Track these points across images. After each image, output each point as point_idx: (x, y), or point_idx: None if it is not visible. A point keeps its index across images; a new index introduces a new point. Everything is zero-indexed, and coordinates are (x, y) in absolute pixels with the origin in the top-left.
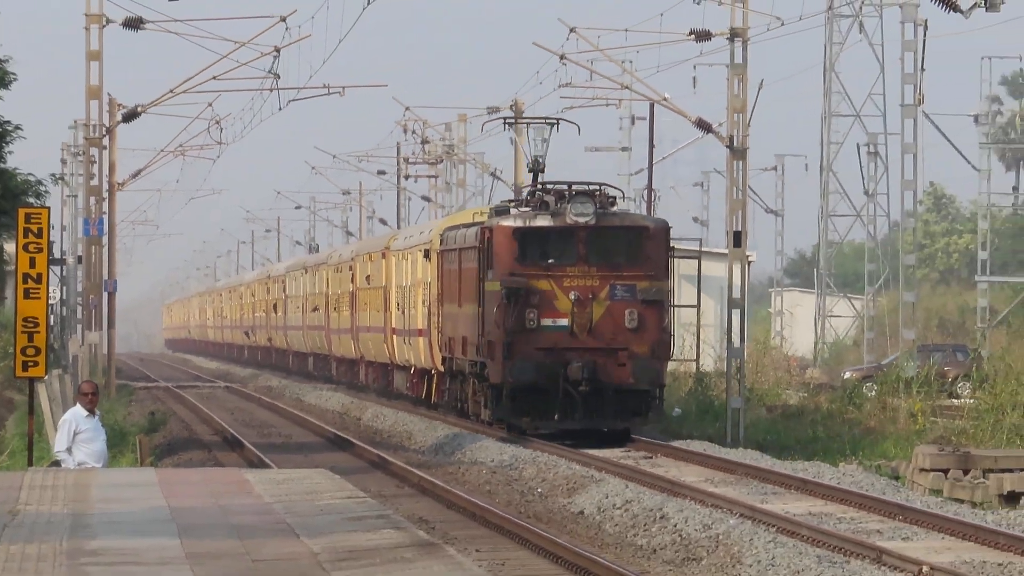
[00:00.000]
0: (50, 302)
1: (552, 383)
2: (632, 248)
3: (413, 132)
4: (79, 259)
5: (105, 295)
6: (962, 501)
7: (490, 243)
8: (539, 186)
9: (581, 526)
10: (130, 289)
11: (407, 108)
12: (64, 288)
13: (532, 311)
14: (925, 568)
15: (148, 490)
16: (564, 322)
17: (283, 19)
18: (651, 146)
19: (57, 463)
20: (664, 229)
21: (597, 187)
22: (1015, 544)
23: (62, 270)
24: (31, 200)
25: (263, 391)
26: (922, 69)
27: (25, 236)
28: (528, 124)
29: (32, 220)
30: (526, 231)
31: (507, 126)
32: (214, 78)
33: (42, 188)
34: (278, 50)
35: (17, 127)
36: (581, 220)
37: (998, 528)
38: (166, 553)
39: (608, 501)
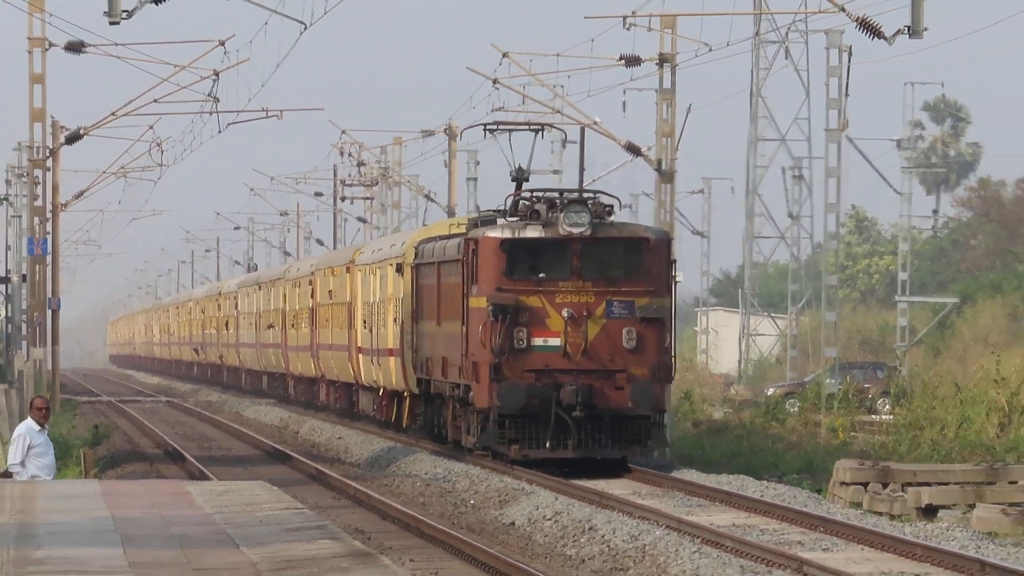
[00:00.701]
0: None
1: (543, 408)
2: (630, 261)
3: (349, 155)
4: (23, 278)
5: (49, 313)
6: (881, 514)
7: (475, 255)
8: (521, 195)
9: (512, 537)
10: (73, 307)
11: (343, 131)
12: (9, 306)
13: (521, 330)
14: None
15: (92, 501)
16: (556, 342)
17: (222, 43)
18: (581, 169)
19: (8, 474)
20: (665, 241)
21: (591, 195)
22: (931, 555)
23: (7, 288)
24: None
25: (203, 406)
26: (846, 95)
27: None
28: (511, 131)
29: None
30: (515, 242)
31: (488, 133)
32: (155, 101)
33: None
34: (217, 74)
35: None
36: (575, 231)
37: (915, 540)
38: (110, 562)
39: (538, 513)
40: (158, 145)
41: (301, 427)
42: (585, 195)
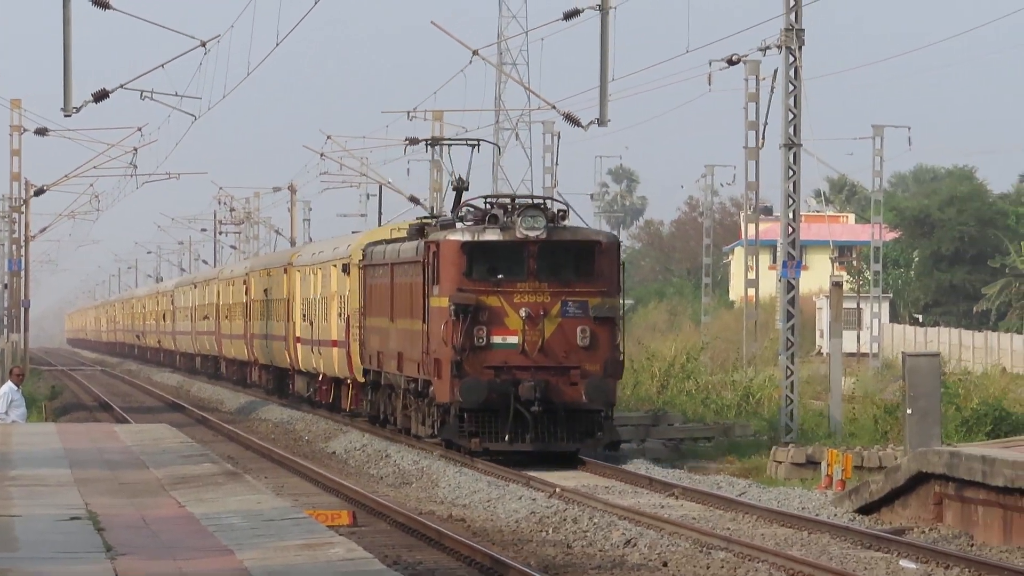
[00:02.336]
0: None
1: (502, 403)
2: (584, 263)
3: (224, 203)
4: (5, 286)
5: (22, 310)
6: None
7: (436, 257)
8: (470, 202)
9: (334, 461)
10: (38, 305)
11: (220, 187)
12: None
13: (481, 328)
14: (557, 488)
15: (49, 437)
16: (514, 340)
17: (139, 129)
18: (380, 215)
19: None
20: (616, 244)
21: (541, 200)
22: (617, 474)
23: None
24: None
25: (126, 373)
26: (556, 163)
27: None
28: (450, 145)
29: None
30: (475, 245)
31: (429, 147)
32: (94, 167)
33: None
34: (136, 150)
35: None
36: (532, 234)
37: (606, 464)
38: (61, 478)
39: (352, 445)
40: (96, 197)
41: (191, 388)
42: (537, 201)
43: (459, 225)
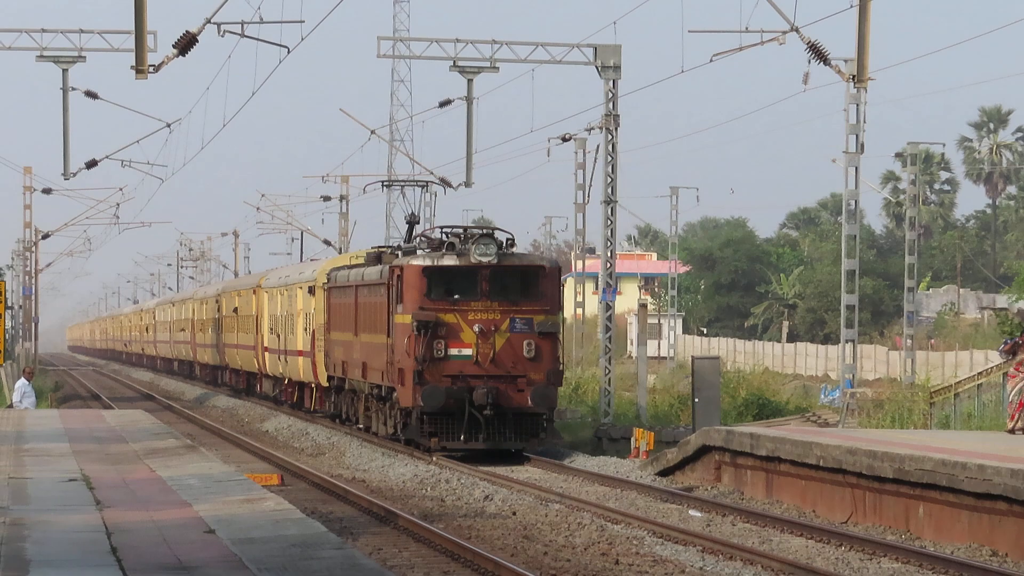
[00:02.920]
0: (6, 327)
1: (459, 407)
2: (529, 285)
3: (184, 244)
4: (20, 306)
5: (33, 324)
6: None
7: (400, 280)
8: (424, 233)
9: (268, 437)
10: (45, 320)
11: (181, 232)
12: (12, 320)
13: (440, 342)
14: (434, 458)
15: (53, 420)
16: (469, 352)
17: (120, 189)
18: (301, 253)
19: (11, 407)
20: (557, 268)
21: (491, 230)
22: None
23: (12, 311)
24: None
25: (112, 372)
26: (434, 215)
27: None
28: (403, 185)
29: None
30: (434, 269)
31: (384, 187)
32: (87, 217)
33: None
34: (118, 205)
35: None
36: (484, 260)
37: None
38: (63, 451)
39: (281, 425)
40: (88, 240)
41: (161, 382)
42: (488, 230)
43: (419, 252)
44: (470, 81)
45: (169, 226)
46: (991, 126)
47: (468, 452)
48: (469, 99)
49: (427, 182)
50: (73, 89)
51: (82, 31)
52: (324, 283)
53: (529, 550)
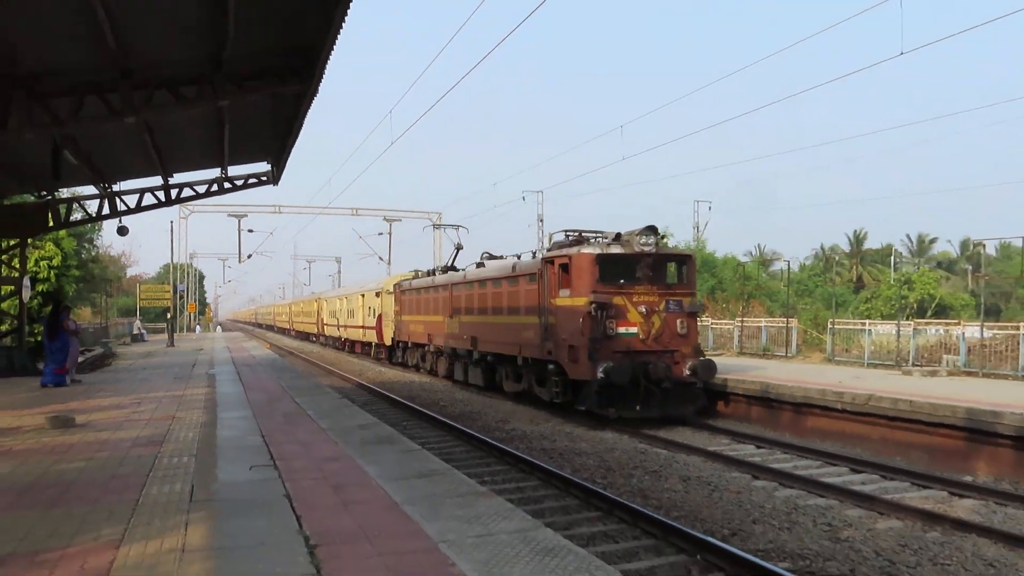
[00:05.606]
0: None
1: (634, 380)
2: (679, 272)
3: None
4: None
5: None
6: None
7: (565, 268)
8: (483, 254)
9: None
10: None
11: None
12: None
13: (612, 321)
14: None
15: None
16: (635, 330)
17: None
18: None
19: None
20: (694, 259)
21: (651, 225)
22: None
23: None
24: None
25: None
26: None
27: None
28: (445, 227)
29: None
30: (605, 257)
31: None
32: None
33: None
34: None
35: None
36: (647, 249)
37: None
38: None
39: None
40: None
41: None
42: (650, 225)
43: (589, 242)
44: None
45: None
46: None
47: (639, 419)
48: None
49: (459, 226)
50: None
51: None
52: (390, 290)
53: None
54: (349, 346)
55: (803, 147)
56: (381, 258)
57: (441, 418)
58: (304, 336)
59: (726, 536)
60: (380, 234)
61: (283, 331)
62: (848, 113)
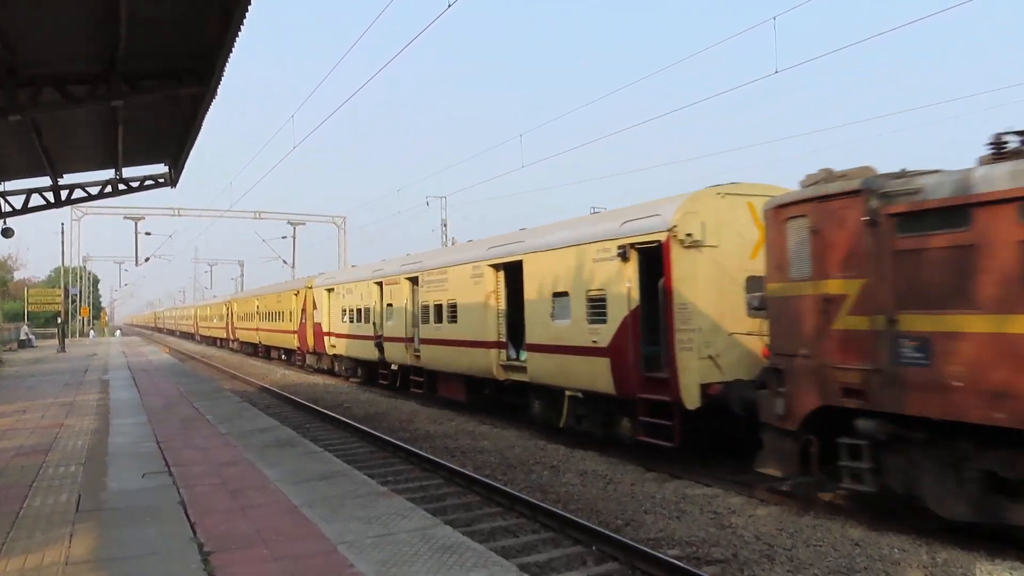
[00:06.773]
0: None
1: None
2: None
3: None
4: None
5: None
6: None
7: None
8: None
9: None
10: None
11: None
12: None
13: None
14: None
15: None
16: None
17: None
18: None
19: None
20: None
21: None
22: None
23: None
24: None
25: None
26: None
27: None
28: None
29: None
30: None
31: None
32: None
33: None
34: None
35: None
36: None
37: None
38: None
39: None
40: None
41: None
42: None
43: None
44: None
45: None
46: None
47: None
48: None
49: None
50: None
51: None
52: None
53: None
54: (266, 351)
55: (678, 160)
56: (285, 261)
57: (346, 419)
58: (212, 341)
59: (620, 527)
60: (284, 237)
61: (187, 335)
62: (723, 129)
